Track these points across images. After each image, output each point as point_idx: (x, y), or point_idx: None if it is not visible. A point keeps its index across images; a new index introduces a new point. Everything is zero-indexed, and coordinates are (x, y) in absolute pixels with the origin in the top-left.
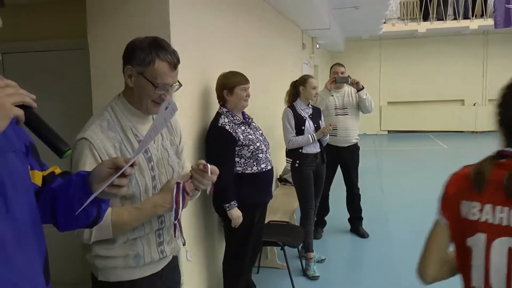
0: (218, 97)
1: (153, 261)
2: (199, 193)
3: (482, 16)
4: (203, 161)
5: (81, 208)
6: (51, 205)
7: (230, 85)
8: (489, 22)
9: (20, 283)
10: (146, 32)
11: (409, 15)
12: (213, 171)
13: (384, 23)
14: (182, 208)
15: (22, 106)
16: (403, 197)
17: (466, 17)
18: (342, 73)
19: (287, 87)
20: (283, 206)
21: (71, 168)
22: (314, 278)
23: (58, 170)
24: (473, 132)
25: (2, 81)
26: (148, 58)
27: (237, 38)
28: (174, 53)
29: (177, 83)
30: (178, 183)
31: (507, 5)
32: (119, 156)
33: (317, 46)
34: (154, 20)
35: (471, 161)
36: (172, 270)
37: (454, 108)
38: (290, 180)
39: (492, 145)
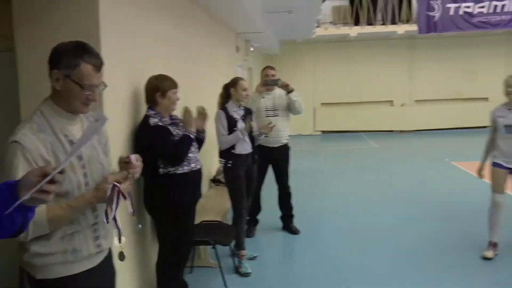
0: (147, 100)
1: (90, 255)
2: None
3: (408, 21)
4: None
5: (7, 212)
6: None
7: (163, 88)
8: (414, 27)
9: None
10: (76, 34)
11: (341, 20)
12: (137, 158)
13: (318, 27)
14: (116, 209)
15: None
16: (334, 195)
17: (393, 22)
18: (272, 75)
19: (220, 90)
20: (216, 206)
21: (4, 172)
22: (245, 275)
23: None
24: (401, 131)
25: None
26: (74, 61)
27: (168, 41)
28: (98, 56)
29: (103, 84)
30: (114, 185)
31: (428, 13)
32: (51, 157)
33: (252, 49)
34: (83, 22)
35: (400, 158)
36: (108, 266)
37: (384, 108)
38: (223, 180)
39: (418, 143)
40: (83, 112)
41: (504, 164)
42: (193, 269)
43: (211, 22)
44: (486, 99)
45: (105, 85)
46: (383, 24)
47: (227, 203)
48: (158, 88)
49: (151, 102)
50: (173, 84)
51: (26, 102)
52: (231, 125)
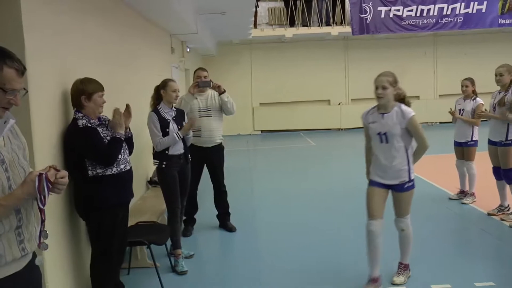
0: (73, 103)
1: (15, 259)
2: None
3: (341, 23)
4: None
5: None
6: None
7: (88, 91)
8: (348, 29)
9: None
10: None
11: (276, 21)
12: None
13: (255, 28)
14: (48, 196)
15: None
16: (271, 192)
17: (328, 24)
18: (205, 77)
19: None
20: (152, 207)
21: None
22: (182, 273)
23: None
24: (338, 129)
25: None
26: None
27: (100, 42)
28: (19, 61)
29: (24, 89)
30: (40, 174)
31: (360, 15)
32: None
33: (188, 50)
34: (4, 22)
35: (336, 155)
36: (33, 270)
37: (322, 107)
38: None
39: (354, 141)
40: (1, 116)
41: (380, 180)
42: (130, 270)
43: (144, 23)
44: (417, 97)
45: (26, 90)
46: (318, 25)
47: (163, 204)
48: (83, 92)
49: (77, 105)
50: (98, 87)
51: None
52: (163, 126)
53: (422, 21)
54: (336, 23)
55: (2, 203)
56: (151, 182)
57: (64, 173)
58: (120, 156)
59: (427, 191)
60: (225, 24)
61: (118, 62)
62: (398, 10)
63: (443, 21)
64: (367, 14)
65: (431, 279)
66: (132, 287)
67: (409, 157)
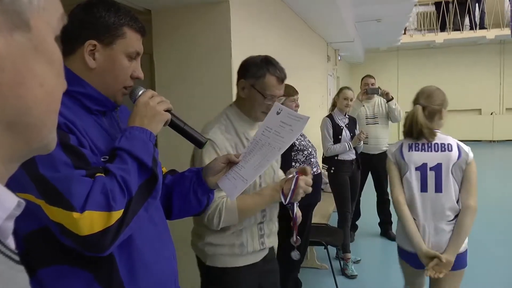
0: None
1: (254, 251)
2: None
3: (501, 26)
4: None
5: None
6: (165, 198)
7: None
8: (506, 31)
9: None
10: (209, 46)
11: (426, 26)
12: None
13: (404, 33)
14: (291, 195)
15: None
16: None
17: (482, 27)
18: (372, 84)
19: (315, 98)
20: (320, 209)
21: (195, 164)
22: (352, 277)
23: (165, 169)
24: (490, 141)
25: (149, 91)
26: (259, 72)
27: (280, 50)
28: (282, 70)
29: (282, 97)
30: (297, 173)
31: None
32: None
33: (339, 58)
34: (216, 36)
35: (491, 170)
36: (269, 263)
37: (471, 117)
38: (323, 186)
39: (510, 154)
40: (260, 120)
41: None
42: (301, 270)
43: (308, 32)
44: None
45: (285, 96)
46: (471, 29)
47: (330, 208)
48: None
49: None
50: (291, 92)
51: None
52: (336, 132)
53: None
54: (492, 26)
55: (259, 192)
56: None
57: (310, 181)
58: (313, 160)
59: None
60: (377, 31)
61: (290, 69)
62: None
63: None
64: None
65: None
66: (307, 285)
67: None
